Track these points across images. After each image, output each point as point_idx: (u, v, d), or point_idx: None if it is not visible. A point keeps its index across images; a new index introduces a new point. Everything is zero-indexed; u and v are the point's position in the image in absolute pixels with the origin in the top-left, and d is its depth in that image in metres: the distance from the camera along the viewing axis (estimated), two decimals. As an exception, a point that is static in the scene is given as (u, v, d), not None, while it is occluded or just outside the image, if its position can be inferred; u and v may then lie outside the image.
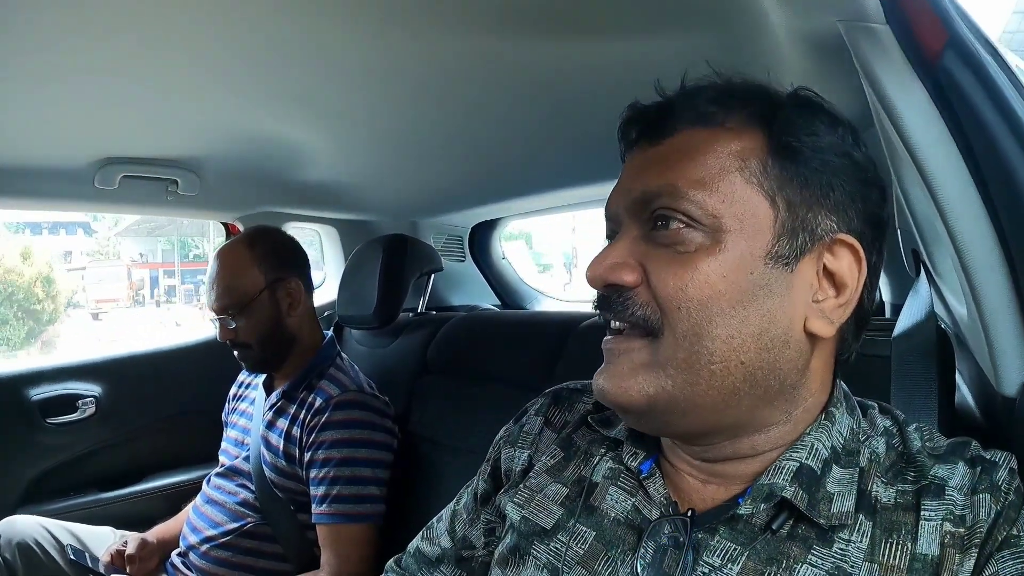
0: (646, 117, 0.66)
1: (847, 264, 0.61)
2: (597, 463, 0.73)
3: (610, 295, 0.62)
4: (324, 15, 0.87)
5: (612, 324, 0.63)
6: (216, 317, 1.60)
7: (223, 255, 1.61)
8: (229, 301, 1.57)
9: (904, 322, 0.91)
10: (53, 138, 1.39)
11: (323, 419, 1.49)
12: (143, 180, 1.64)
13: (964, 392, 0.91)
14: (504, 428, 0.87)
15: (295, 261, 1.67)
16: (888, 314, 1.37)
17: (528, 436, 0.82)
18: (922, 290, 0.91)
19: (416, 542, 0.90)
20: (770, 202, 0.60)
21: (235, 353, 1.62)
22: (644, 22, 0.87)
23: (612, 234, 0.67)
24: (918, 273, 0.96)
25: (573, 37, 0.92)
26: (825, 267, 0.61)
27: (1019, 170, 0.59)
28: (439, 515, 0.90)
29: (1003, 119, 0.59)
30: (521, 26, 0.89)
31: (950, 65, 0.60)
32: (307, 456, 1.49)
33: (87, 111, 1.24)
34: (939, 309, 0.90)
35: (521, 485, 0.78)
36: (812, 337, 0.61)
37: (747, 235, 0.59)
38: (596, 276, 0.62)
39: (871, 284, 0.64)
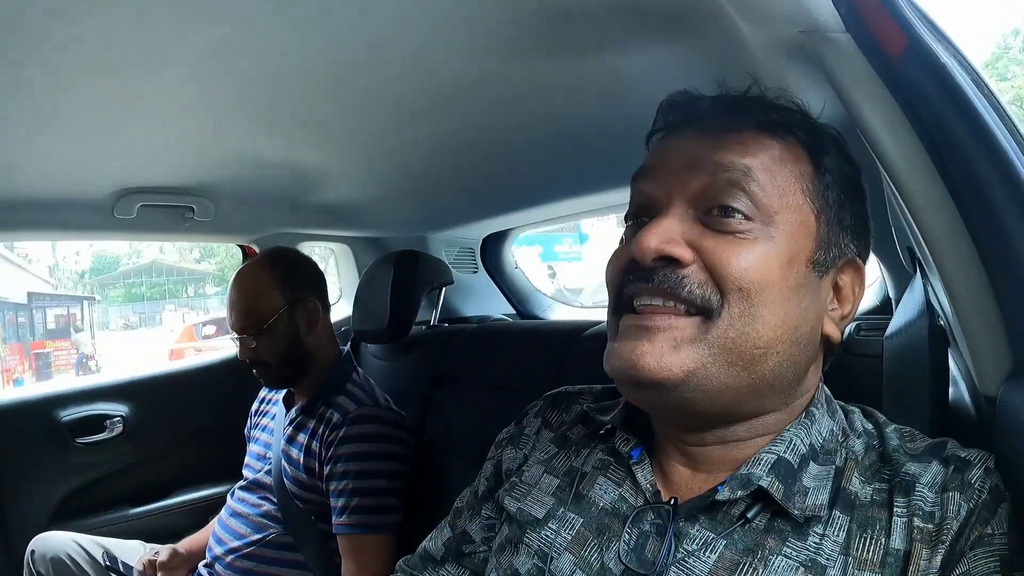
0: (707, 108, 0.69)
1: (850, 282, 0.69)
2: (588, 454, 0.76)
3: (658, 270, 0.63)
4: (331, 42, 0.89)
5: (650, 301, 0.64)
6: (236, 337, 1.64)
7: (242, 277, 1.65)
8: (248, 322, 1.61)
9: (899, 319, 0.91)
10: (72, 171, 1.43)
11: (341, 433, 1.52)
12: (160, 208, 1.69)
13: (961, 387, 0.91)
14: (505, 429, 0.90)
15: (312, 281, 1.70)
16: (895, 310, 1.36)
17: (527, 437, 0.85)
18: (917, 287, 0.91)
19: (424, 542, 0.93)
20: (815, 216, 0.65)
21: (254, 371, 1.66)
22: (632, 40, 0.89)
23: (641, 216, 0.70)
24: (914, 269, 0.96)
25: (570, 55, 0.94)
26: (836, 282, 0.67)
27: (982, 168, 0.59)
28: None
29: (965, 118, 0.60)
30: (519, 46, 0.91)
31: (911, 69, 0.61)
32: (327, 469, 1.53)
33: (104, 144, 1.27)
34: (935, 304, 0.90)
35: (516, 479, 0.81)
36: (823, 340, 0.68)
37: (798, 237, 0.63)
38: (649, 248, 0.62)
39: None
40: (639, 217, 0.69)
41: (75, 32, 0.83)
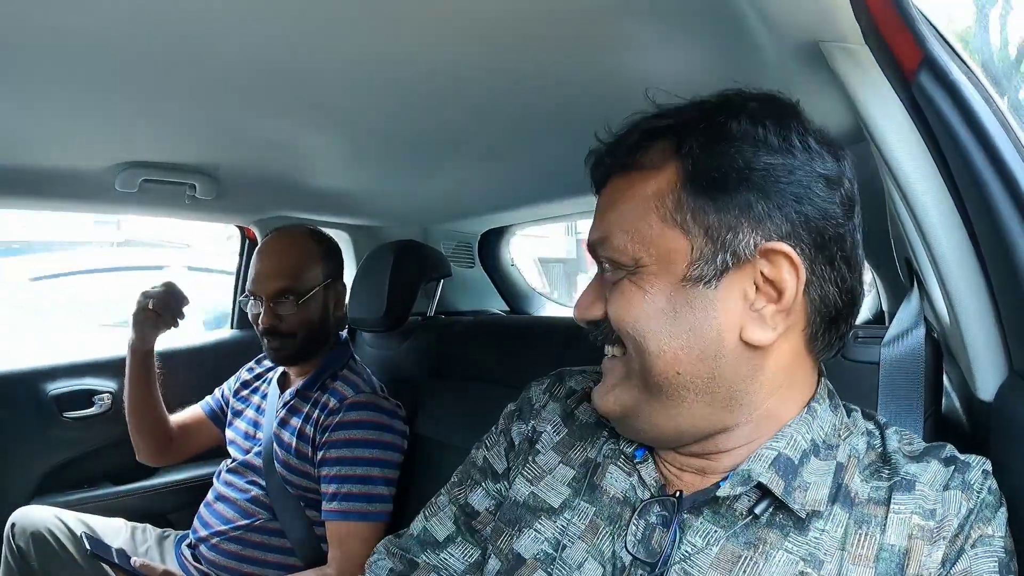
0: (591, 168, 0.75)
1: (784, 270, 0.62)
2: (601, 444, 0.78)
3: (592, 329, 0.72)
4: (338, 25, 0.90)
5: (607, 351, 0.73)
6: (266, 300, 1.62)
7: (290, 242, 1.67)
8: (291, 285, 1.61)
9: (895, 329, 0.93)
10: (75, 143, 1.43)
11: (336, 419, 1.53)
12: (162, 184, 1.67)
13: (953, 398, 0.93)
14: (512, 403, 0.92)
15: (342, 266, 1.73)
16: (888, 323, 1.38)
17: (535, 411, 0.87)
18: (914, 298, 0.94)
19: (419, 523, 0.92)
20: (686, 234, 0.63)
21: (266, 341, 1.63)
22: (644, 39, 0.89)
23: None
24: (911, 282, 0.98)
25: (579, 50, 0.94)
26: (764, 275, 0.62)
27: (990, 183, 0.61)
28: (437, 497, 0.93)
29: (976, 134, 0.62)
30: (527, 40, 0.91)
31: (925, 83, 0.63)
32: (320, 454, 1.53)
33: (108, 117, 1.27)
34: (930, 316, 0.93)
35: (530, 459, 0.82)
36: (753, 345, 0.64)
37: (665, 265, 0.64)
38: (577, 317, 0.73)
39: (837, 279, 0.65)
40: None
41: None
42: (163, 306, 1.67)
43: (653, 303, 0.65)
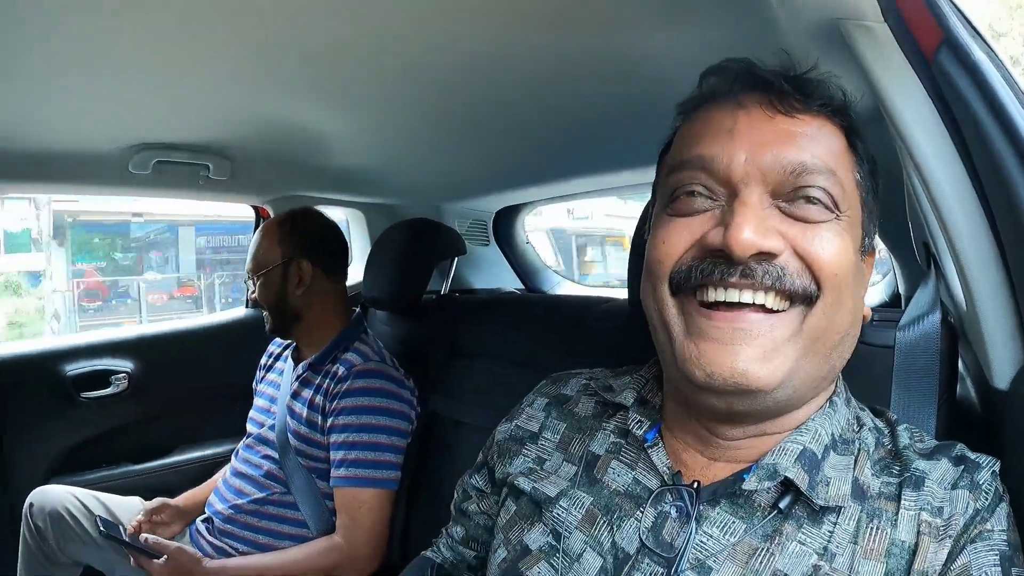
0: (772, 81, 0.64)
1: (868, 266, 0.70)
2: (601, 437, 0.76)
3: (748, 265, 0.60)
4: (354, 4, 0.89)
5: (737, 297, 0.61)
6: (247, 280, 1.81)
7: (262, 227, 1.78)
8: (250, 266, 1.76)
9: (911, 313, 0.92)
10: (88, 124, 1.43)
11: (345, 387, 1.55)
12: (176, 165, 1.69)
13: (968, 385, 0.92)
14: (504, 421, 0.90)
15: (312, 245, 1.74)
16: (904, 306, 1.37)
17: (529, 414, 0.86)
18: (931, 282, 0.92)
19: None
20: (861, 205, 0.66)
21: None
22: (660, 17, 0.88)
23: (698, 191, 0.64)
24: (928, 265, 0.97)
25: (593, 29, 0.93)
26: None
27: (1011, 166, 0.60)
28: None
29: (996, 116, 0.60)
30: (543, 17, 0.90)
31: (945, 63, 0.62)
32: (328, 421, 1.56)
33: (121, 97, 1.27)
34: (947, 300, 0.91)
35: (530, 458, 0.81)
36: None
37: (856, 226, 0.65)
38: (748, 243, 0.59)
39: None
40: (689, 186, 0.65)
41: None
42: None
43: (854, 257, 0.63)
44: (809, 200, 0.61)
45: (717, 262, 0.61)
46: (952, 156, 0.65)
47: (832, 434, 0.66)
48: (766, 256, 0.60)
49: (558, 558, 0.70)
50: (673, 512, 0.66)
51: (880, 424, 0.70)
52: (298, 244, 1.71)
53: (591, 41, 0.97)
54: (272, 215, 2.19)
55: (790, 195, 0.62)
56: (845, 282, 0.62)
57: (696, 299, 0.63)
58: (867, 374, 0.79)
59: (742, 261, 0.60)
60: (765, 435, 0.67)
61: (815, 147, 0.62)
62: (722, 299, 0.61)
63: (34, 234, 10.68)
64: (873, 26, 0.64)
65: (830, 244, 0.61)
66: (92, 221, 11.33)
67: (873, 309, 1.08)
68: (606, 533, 0.69)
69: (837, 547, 0.61)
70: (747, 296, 0.60)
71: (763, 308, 0.61)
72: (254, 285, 1.73)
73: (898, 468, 0.64)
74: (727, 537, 0.63)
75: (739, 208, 0.60)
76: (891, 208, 0.99)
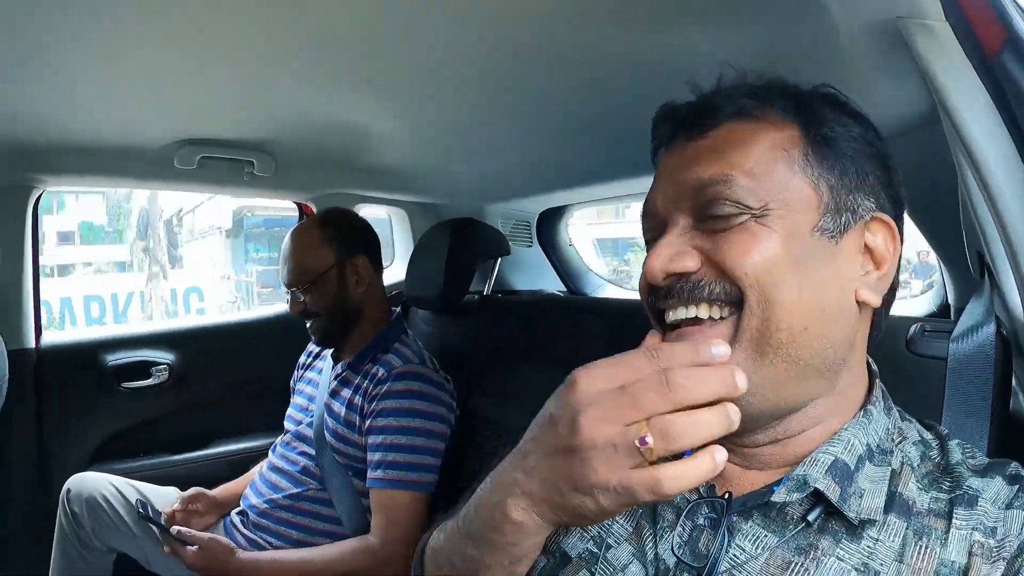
0: (685, 114, 0.69)
1: (882, 240, 0.65)
2: None
3: (674, 286, 0.64)
4: (402, 4, 0.90)
5: (684, 314, 0.64)
6: (288, 290, 1.71)
7: (296, 234, 1.72)
8: (298, 277, 1.68)
9: (964, 324, 0.90)
10: (136, 119, 1.47)
11: (384, 389, 1.55)
12: (221, 161, 1.72)
13: (1021, 400, 0.89)
14: None
15: (363, 241, 1.75)
16: (953, 317, 1.33)
17: None
18: (985, 293, 0.90)
19: None
20: (813, 187, 0.63)
21: (307, 324, 1.72)
22: (706, 15, 0.87)
23: (651, 234, 0.70)
24: (982, 275, 0.94)
25: (644, 29, 0.93)
26: (865, 244, 0.65)
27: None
28: None
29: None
30: (587, 16, 0.90)
31: (1008, 64, 0.60)
32: (367, 423, 1.56)
33: (168, 93, 1.30)
34: (1001, 313, 0.89)
35: None
36: (861, 308, 0.65)
37: (792, 212, 0.62)
38: (658, 269, 0.64)
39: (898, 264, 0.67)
40: (652, 235, 0.70)
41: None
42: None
43: (784, 248, 0.62)
44: (717, 209, 0.63)
45: (657, 290, 0.66)
46: (1014, 161, 0.63)
47: (868, 444, 0.65)
48: (683, 276, 0.64)
49: (599, 567, 0.69)
50: (706, 524, 0.66)
51: (928, 437, 0.68)
52: (347, 242, 1.71)
53: (648, 41, 0.97)
54: (315, 212, 2.23)
55: (703, 212, 0.64)
56: (771, 277, 0.61)
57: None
58: (918, 385, 0.77)
59: (663, 286, 0.65)
60: (778, 441, 0.67)
61: (722, 156, 0.64)
62: (672, 319, 0.65)
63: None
64: (934, 25, 0.63)
65: (739, 244, 0.62)
66: (263, 216, 11.91)
67: (922, 320, 1.05)
68: (650, 544, 0.68)
69: (881, 564, 0.59)
70: (681, 313, 0.64)
71: (696, 320, 0.64)
72: (302, 295, 1.68)
73: (949, 484, 0.62)
74: (760, 552, 0.62)
75: (659, 241, 0.66)
76: (943, 216, 0.96)
